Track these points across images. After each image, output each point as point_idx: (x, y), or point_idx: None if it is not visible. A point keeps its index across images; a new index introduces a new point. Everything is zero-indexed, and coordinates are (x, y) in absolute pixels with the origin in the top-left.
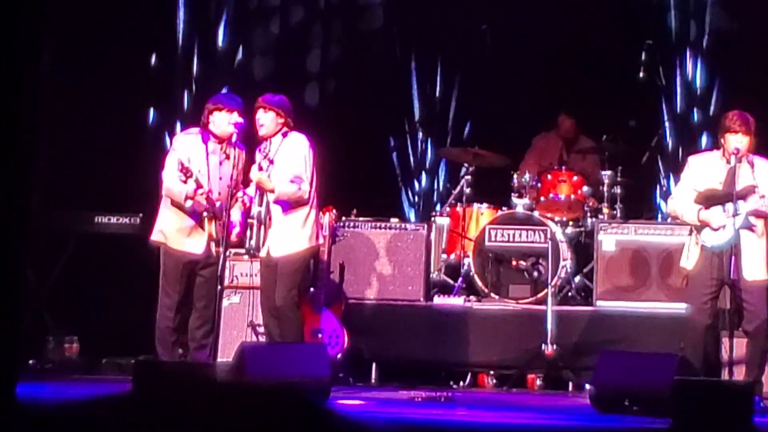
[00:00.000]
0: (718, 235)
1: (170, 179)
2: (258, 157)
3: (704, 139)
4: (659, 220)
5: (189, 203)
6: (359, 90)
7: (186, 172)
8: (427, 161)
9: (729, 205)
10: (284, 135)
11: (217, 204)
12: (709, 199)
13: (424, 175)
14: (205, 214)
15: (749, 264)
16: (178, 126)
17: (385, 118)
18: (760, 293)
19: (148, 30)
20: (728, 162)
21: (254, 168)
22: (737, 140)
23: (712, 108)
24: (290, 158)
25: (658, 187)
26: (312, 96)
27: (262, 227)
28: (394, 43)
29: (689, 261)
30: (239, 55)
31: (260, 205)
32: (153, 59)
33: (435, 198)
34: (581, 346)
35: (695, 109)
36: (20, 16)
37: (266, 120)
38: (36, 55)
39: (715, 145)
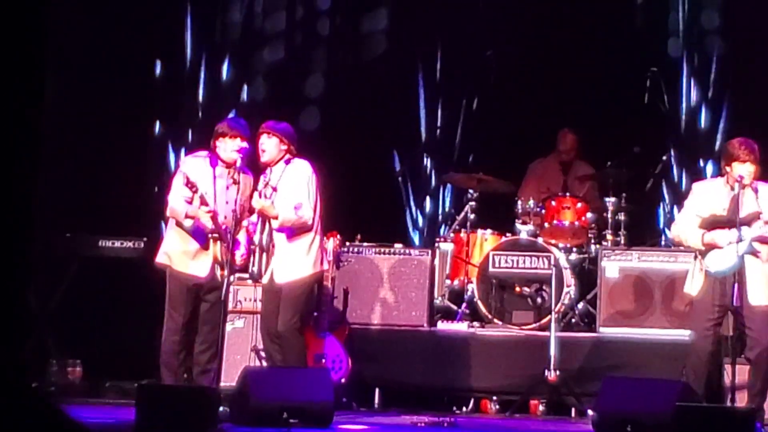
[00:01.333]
0: (722, 261)
1: (174, 198)
2: (260, 184)
3: (709, 167)
4: (663, 246)
5: (189, 222)
6: (363, 115)
7: (192, 186)
8: (432, 186)
9: (733, 231)
10: (287, 162)
11: (222, 227)
12: (712, 225)
13: (428, 201)
14: (210, 236)
15: (753, 290)
16: (183, 152)
17: (389, 144)
18: (763, 319)
19: (153, 56)
20: (732, 189)
21: (255, 195)
22: (744, 168)
23: (718, 137)
24: (293, 185)
25: (661, 213)
26: (315, 120)
27: (264, 254)
28: (398, 68)
29: (693, 287)
30: (244, 81)
31: (262, 232)
32: (158, 82)
33: (439, 223)
34: (584, 372)
35: (699, 137)
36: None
37: (269, 146)
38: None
39: (719, 172)
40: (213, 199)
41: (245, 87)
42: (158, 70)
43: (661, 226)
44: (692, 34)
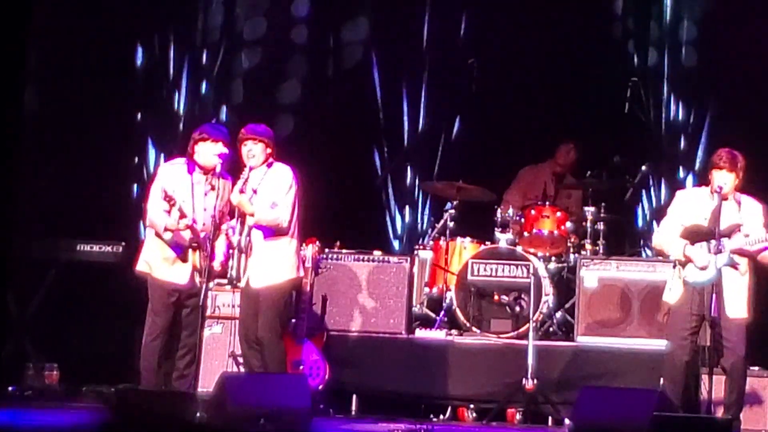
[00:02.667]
0: (701, 272)
1: (153, 210)
2: (240, 182)
3: (689, 180)
4: (642, 256)
5: (168, 235)
6: (344, 122)
7: (170, 200)
8: (413, 194)
9: (713, 242)
10: (269, 165)
11: (201, 234)
12: (694, 235)
13: (408, 209)
14: (188, 246)
15: (730, 301)
16: (151, 151)
17: (370, 152)
18: (740, 331)
19: (133, 63)
20: (713, 199)
21: (235, 190)
22: (721, 176)
23: (699, 149)
24: (273, 188)
25: (640, 224)
26: (296, 127)
27: (243, 256)
28: (380, 75)
29: (672, 295)
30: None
31: (241, 233)
32: (139, 87)
33: (419, 231)
34: (561, 381)
35: (680, 147)
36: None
37: (257, 151)
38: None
39: (703, 181)
40: (191, 206)
41: (225, 92)
42: (138, 74)
43: (641, 236)
44: (672, 45)
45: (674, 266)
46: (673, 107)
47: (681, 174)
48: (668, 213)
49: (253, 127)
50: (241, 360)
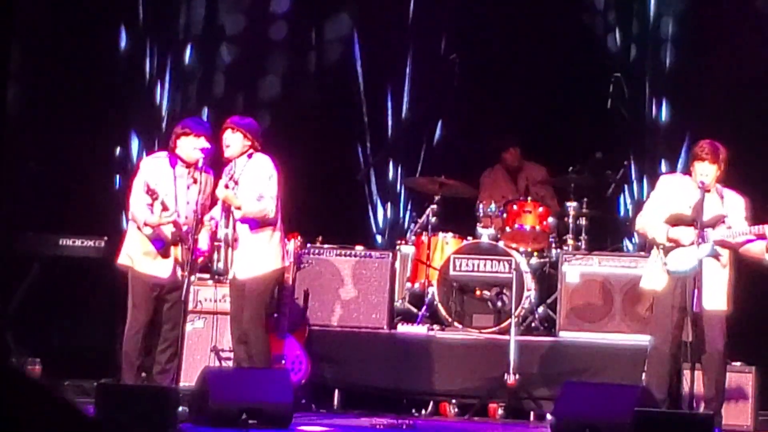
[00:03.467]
0: (683, 261)
1: (136, 204)
2: (224, 177)
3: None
4: (624, 252)
5: (149, 231)
6: (326, 117)
7: (152, 194)
8: (395, 189)
9: (697, 232)
10: (249, 156)
11: (184, 228)
12: (677, 222)
13: (390, 204)
14: (170, 242)
15: (710, 294)
16: (135, 142)
17: (353, 146)
18: (718, 324)
19: (113, 51)
20: (697, 189)
21: (220, 185)
22: (703, 168)
23: (681, 144)
24: (255, 178)
25: (622, 212)
26: (279, 121)
27: (229, 249)
28: (363, 71)
29: (651, 282)
30: (205, 78)
31: (226, 226)
32: (121, 82)
33: (401, 226)
34: (543, 376)
35: (661, 143)
36: None
37: (233, 141)
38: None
39: (685, 170)
40: (174, 200)
41: (207, 84)
42: (121, 67)
43: (622, 232)
44: (654, 41)
45: (656, 250)
46: (654, 103)
47: (663, 169)
48: (652, 197)
49: (235, 118)
50: (224, 355)
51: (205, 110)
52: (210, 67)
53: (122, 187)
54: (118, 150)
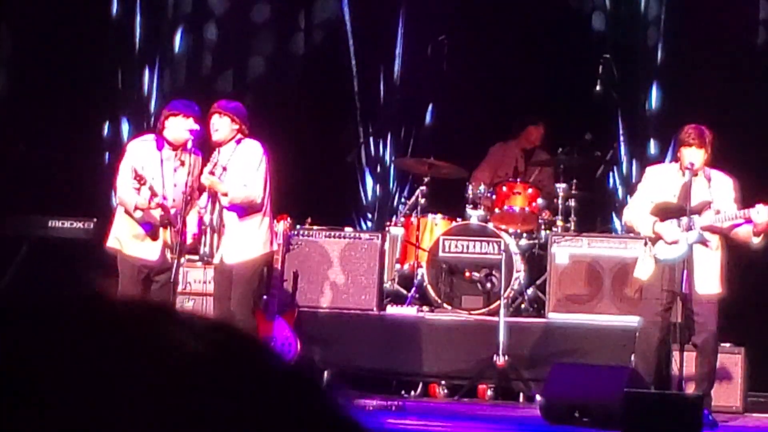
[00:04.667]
0: (671, 249)
1: (123, 188)
2: (210, 164)
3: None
4: (613, 233)
5: (139, 214)
6: (315, 98)
7: (140, 179)
8: (384, 171)
9: (684, 219)
10: (238, 142)
11: (172, 211)
12: (664, 212)
13: (379, 185)
14: (159, 224)
15: (702, 278)
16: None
17: (341, 126)
18: (711, 307)
19: (102, 32)
20: (684, 175)
21: (205, 172)
22: (690, 153)
23: (670, 126)
24: (243, 164)
25: (612, 200)
26: (268, 102)
27: (215, 235)
28: (353, 50)
29: (643, 271)
30: (194, 59)
31: (212, 212)
32: (110, 53)
33: (390, 207)
34: (533, 358)
35: (650, 124)
36: None
37: (221, 125)
38: None
39: (673, 158)
40: (161, 183)
41: (195, 66)
42: (110, 49)
43: (611, 213)
44: (643, 22)
45: (645, 243)
46: (644, 85)
47: (652, 150)
48: (638, 189)
49: (223, 102)
50: None
51: (192, 90)
52: (198, 48)
53: (111, 169)
54: (106, 128)
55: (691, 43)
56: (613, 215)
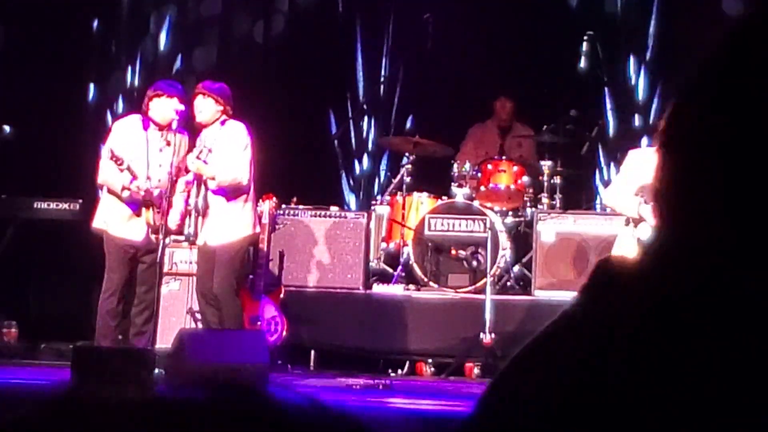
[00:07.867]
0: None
1: (106, 169)
2: (196, 148)
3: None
4: (598, 210)
5: (126, 194)
6: (300, 76)
7: (117, 160)
8: (369, 148)
9: None
10: (222, 123)
11: (156, 192)
12: (648, 193)
13: (365, 163)
14: (142, 202)
15: None
16: (120, 103)
17: (326, 105)
18: None
19: (90, 14)
20: None
21: (191, 157)
22: None
23: (654, 101)
24: (228, 146)
25: (597, 177)
26: (252, 82)
27: (200, 217)
28: (336, 28)
29: (625, 252)
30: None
31: (198, 195)
32: (94, 34)
33: (375, 186)
34: (519, 336)
35: (635, 101)
36: None
37: (204, 106)
38: None
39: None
40: (146, 163)
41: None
42: (95, 29)
43: (597, 190)
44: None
45: (627, 223)
46: (629, 62)
47: (636, 122)
48: (621, 171)
49: (207, 83)
50: (199, 316)
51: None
52: (184, 26)
53: (96, 150)
54: (91, 107)
55: (679, 19)
56: (598, 192)
